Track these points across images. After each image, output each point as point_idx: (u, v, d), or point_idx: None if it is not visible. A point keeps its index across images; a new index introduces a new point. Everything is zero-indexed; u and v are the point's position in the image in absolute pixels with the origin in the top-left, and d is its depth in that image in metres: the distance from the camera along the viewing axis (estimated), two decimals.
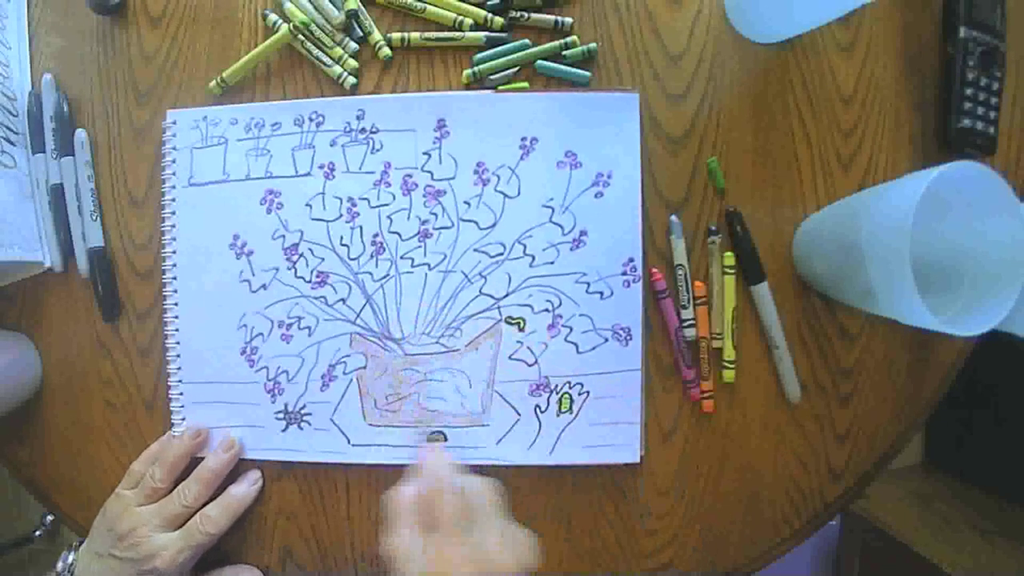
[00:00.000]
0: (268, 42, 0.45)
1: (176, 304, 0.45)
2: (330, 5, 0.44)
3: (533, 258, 0.43)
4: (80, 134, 0.46)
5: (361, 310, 0.44)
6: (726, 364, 0.43)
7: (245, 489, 0.45)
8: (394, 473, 0.45)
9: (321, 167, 0.45)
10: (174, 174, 0.46)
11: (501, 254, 0.44)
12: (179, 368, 0.45)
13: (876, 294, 0.35)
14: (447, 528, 0.35)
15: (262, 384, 0.45)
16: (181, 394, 0.45)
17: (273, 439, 0.45)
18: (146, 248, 0.46)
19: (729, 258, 0.43)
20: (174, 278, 0.45)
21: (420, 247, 0.44)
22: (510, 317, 0.44)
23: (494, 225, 0.44)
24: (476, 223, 0.44)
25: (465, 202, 0.44)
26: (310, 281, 0.45)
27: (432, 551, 0.35)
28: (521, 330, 0.43)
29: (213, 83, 0.45)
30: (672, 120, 0.44)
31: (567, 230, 0.43)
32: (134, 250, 0.47)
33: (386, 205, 0.44)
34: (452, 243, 0.44)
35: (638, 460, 0.44)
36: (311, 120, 0.45)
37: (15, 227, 0.44)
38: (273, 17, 0.45)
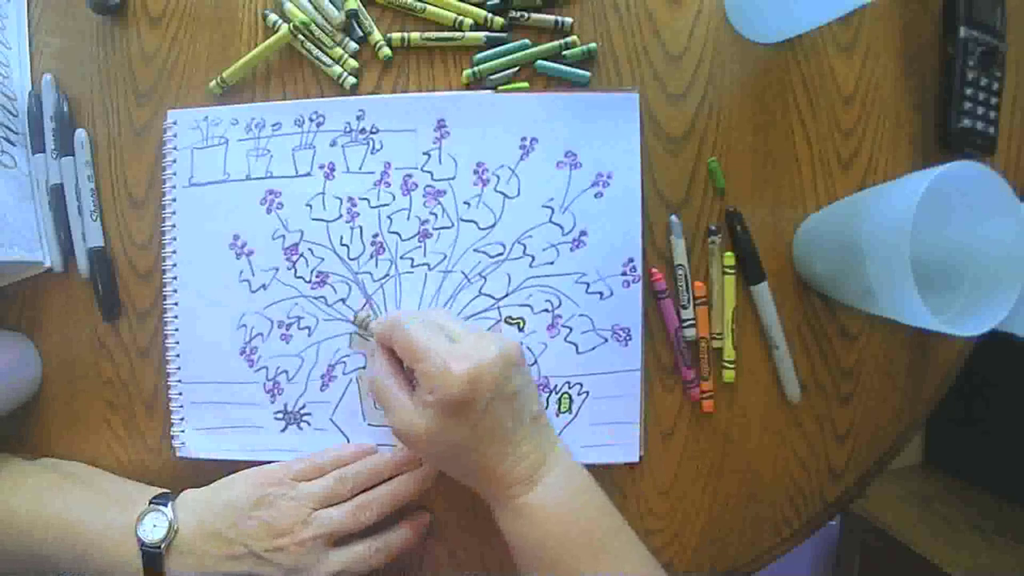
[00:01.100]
0: (268, 42, 0.45)
1: (176, 304, 0.45)
2: (330, 5, 0.44)
3: (533, 258, 0.43)
4: (80, 134, 0.46)
5: (361, 310, 0.44)
6: (726, 364, 0.43)
7: (411, 533, 0.43)
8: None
9: (321, 167, 0.45)
10: (174, 174, 0.46)
11: (501, 254, 0.44)
12: (179, 368, 0.45)
13: (876, 294, 0.35)
14: (419, 350, 0.36)
15: (261, 384, 0.45)
16: (181, 394, 0.45)
17: (272, 439, 0.45)
18: (146, 248, 0.46)
19: (729, 258, 0.43)
20: (174, 278, 0.45)
21: (420, 247, 0.44)
22: (510, 317, 0.44)
23: (494, 225, 0.44)
24: (476, 223, 0.44)
25: (465, 202, 0.44)
26: (310, 281, 0.45)
27: (419, 392, 0.36)
28: (521, 330, 0.44)
29: (213, 83, 0.45)
30: (672, 120, 0.44)
31: (567, 230, 0.43)
32: (134, 250, 0.47)
33: (386, 205, 0.44)
34: (452, 243, 0.44)
35: (638, 460, 0.44)
36: (311, 120, 0.45)
37: (15, 227, 0.44)
38: (273, 17, 0.45)
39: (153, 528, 0.38)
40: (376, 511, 0.41)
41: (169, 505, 0.39)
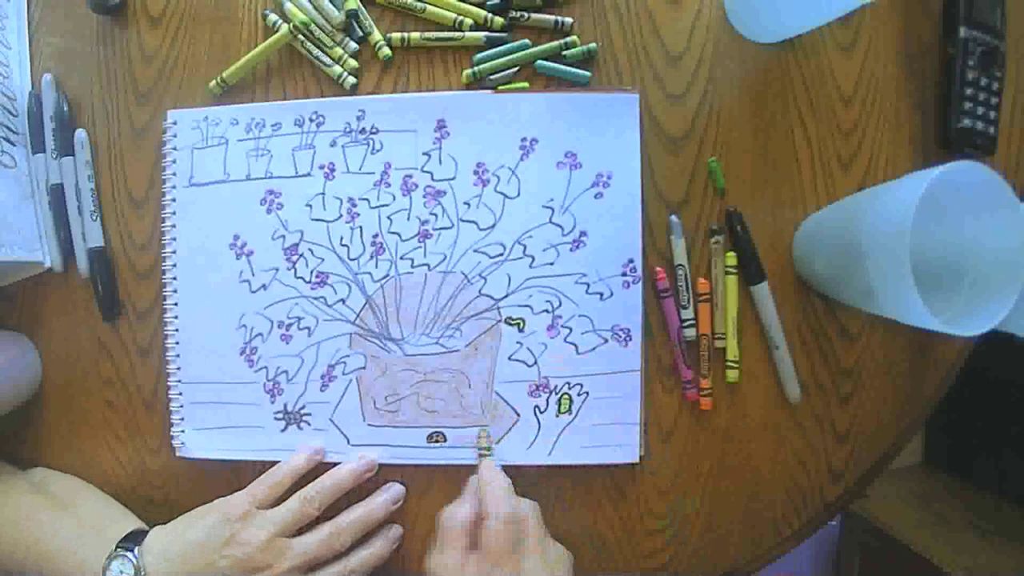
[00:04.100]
0: (268, 42, 0.45)
1: (176, 304, 0.45)
2: (330, 5, 0.44)
3: (533, 259, 0.43)
4: (80, 134, 0.46)
5: (361, 310, 0.44)
6: (730, 364, 0.43)
7: (384, 549, 0.43)
8: (393, 473, 0.45)
9: (321, 167, 0.45)
10: (174, 174, 0.46)
11: (501, 255, 0.44)
12: (179, 368, 0.45)
13: (876, 294, 0.35)
14: (495, 553, 0.36)
15: (261, 384, 0.45)
16: (181, 394, 0.45)
17: (272, 439, 0.45)
18: (146, 248, 0.46)
19: (731, 258, 0.43)
20: (174, 278, 0.45)
21: (420, 247, 0.44)
22: (510, 318, 0.44)
23: (494, 226, 0.44)
24: (476, 223, 0.44)
25: (465, 203, 0.44)
26: (310, 281, 0.45)
27: (474, 572, 0.36)
28: (521, 331, 0.43)
29: (213, 83, 0.45)
30: (672, 120, 0.44)
31: (567, 231, 0.43)
32: (134, 250, 0.47)
33: (386, 205, 0.44)
34: (452, 244, 0.44)
35: (638, 460, 0.44)
36: (311, 120, 0.45)
37: (15, 227, 0.44)
38: (273, 17, 0.45)
39: (120, 575, 0.38)
40: (350, 536, 0.41)
41: (135, 550, 0.39)
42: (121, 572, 0.38)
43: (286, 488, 0.42)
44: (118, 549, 0.39)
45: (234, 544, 0.39)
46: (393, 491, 0.44)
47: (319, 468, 0.43)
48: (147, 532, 0.41)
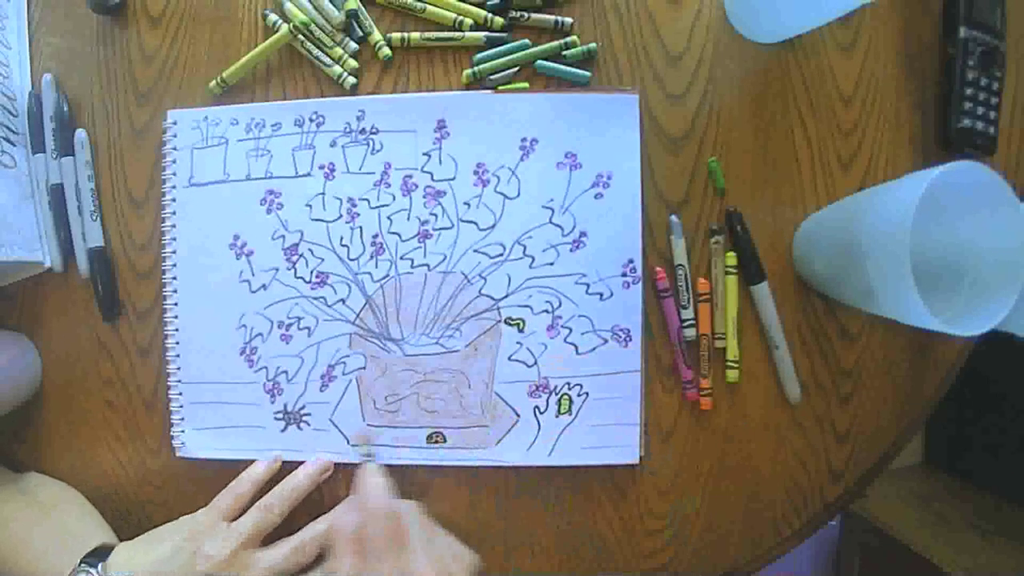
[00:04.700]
0: (268, 42, 0.45)
1: (176, 304, 0.45)
2: (330, 5, 0.44)
3: (533, 259, 0.43)
4: (80, 134, 0.46)
5: (361, 310, 0.44)
6: (730, 364, 0.43)
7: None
8: (393, 473, 0.45)
9: (321, 167, 0.45)
10: (174, 174, 0.46)
11: (501, 255, 0.44)
12: (179, 368, 0.45)
13: (876, 294, 0.35)
14: (376, 550, 0.37)
15: (261, 384, 0.45)
16: (180, 394, 0.45)
17: (272, 439, 0.45)
18: (146, 248, 0.46)
19: (731, 258, 0.43)
20: (174, 278, 0.45)
21: (420, 248, 0.44)
22: (510, 318, 0.44)
23: (494, 226, 0.44)
24: (476, 224, 0.44)
25: (465, 203, 0.44)
26: (310, 281, 0.45)
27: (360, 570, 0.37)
28: (521, 331, 0.43)
29: (213, 83, 0.45)
30: (672, 120, 0.44)
31: (567, 231, 0.43)
32: (134, 250, 0.47)
33: (386, 206, 0.44)
34: (452, 244, 0.44)
35: (638, 461, 0.44)
36: (311, 120, 0.45)
37: (15, 227, 0.44)
38: (273, 17, 0.45)
39: None
40: (315, 549, 0.42)
41: (100, 566, 0.39)
42: None
43: (248, 498, 0.43)
44: (82, 564, 0.39)
45: (200, 558, 0.39)
46: (318, 463, 0.44)
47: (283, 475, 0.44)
48: (112, 548, 0.41)
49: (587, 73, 0.44)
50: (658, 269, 0.43)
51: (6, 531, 0.42)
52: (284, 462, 0.45)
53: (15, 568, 0.40)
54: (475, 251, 0.44)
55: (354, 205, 0.44)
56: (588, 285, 0.43)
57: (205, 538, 0.40)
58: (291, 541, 0.42)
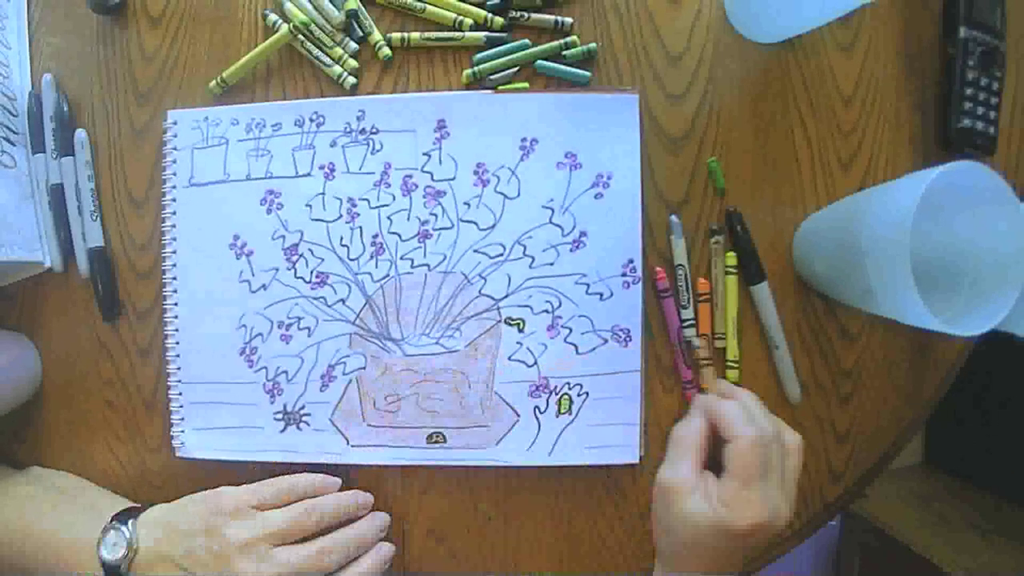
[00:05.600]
0: (268, 42, 0.45)
1: (176, 304, 0.45)
2: (330, 5, 0.44)
3: (533, 259, 0.43)
4: (80, 134, 0.46)
5: (361, 310, 0.44)
6: (730, 364, 0.43)
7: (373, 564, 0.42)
8: (393, 473, 0.45)
9: (321, 167, 0.45)
10: (174, 174, 0.46)
11: (501, 255, 0.44)
12: (179, 368, 0.45)
13: (876, 294, 0.35)
14: (750, 475, 0.35)
15: (261, 384, 0.45)
16: (180, 394, 0.45)
17: (272, 440, 0.45)
18: (146, 248, 0.46)
19: (731, 258, 0.43)
20: (174, 278, 0.45)
21: (420, 248, 0.44)
22: (510, 318, 0.44)
23: (494, 226, 0.44)
24: (476, 224, 0.44)
25: (465, 203, 0.44)
26: (310, 281, 0.45)
27: (720, 492, 0.35)
28: (521, 331, 0.43)
29: (213, 83, 0.45)
30: (672, 120, 0.44)
31: (567, 231, 0.43)
32: (134, 250, 0.47)
33: (386, 206, 0.44)
34: (452, 244, 0.44)
35: (638, 460, 0.44)
36: (311, 120, 0.45)
37: (15, 227, 0.44)
38: (273, 17, 0.45)
39: (113, 547, 0.38)
40: (340, 557, 0.40)
41: (130, 523, 0.39)
42: (115, 544, 0.38)
43: (288, 502, 0.42)
44: (113, 522, 0.40)
45: (213, 536, 0.38)
46: (379, 519, 0.43)
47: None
48: (144, 509, 0.41)
49: (587, 73, 0.44)
50: (658, 269, 0.43)
51: (29, 510, 0.42)
52: (284, 463, 0.45)
53: (40, 545, 0.40)
54: (475, 251, 0.44)
55: (354, 205, 0.44)
56: (588, 285, 0.43)
57: (228, 518, 0.39)
58: (317, 543, 0.40)
